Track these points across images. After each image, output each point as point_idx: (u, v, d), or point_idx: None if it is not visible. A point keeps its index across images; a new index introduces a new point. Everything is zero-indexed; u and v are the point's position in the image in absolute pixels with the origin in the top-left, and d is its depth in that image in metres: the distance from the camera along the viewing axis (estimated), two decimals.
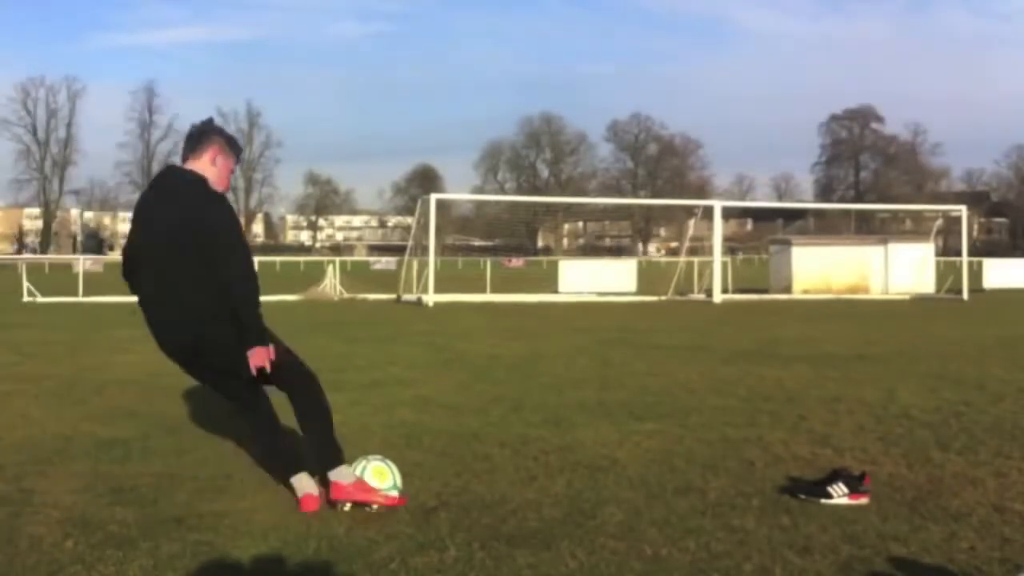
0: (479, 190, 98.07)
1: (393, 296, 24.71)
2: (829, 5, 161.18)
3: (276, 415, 4.70)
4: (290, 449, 4.71)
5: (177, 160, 4.63)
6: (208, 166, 4.45)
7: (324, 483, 4.50)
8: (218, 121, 4.62)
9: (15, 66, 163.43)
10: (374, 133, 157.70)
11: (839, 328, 15.39)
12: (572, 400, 7.69)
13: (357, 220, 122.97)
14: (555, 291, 25.76)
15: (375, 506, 4.39)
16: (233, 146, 4.58)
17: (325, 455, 4.47)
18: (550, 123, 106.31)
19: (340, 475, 4.41)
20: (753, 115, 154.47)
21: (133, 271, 4.55)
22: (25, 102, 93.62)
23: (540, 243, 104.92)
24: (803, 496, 4.63)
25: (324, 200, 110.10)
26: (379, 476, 4.44)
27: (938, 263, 30.92)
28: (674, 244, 77.72)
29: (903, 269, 27.99)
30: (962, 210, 29.65)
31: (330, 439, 4.51)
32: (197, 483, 4.93)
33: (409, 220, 44.00)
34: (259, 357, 4.26)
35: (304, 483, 4.49)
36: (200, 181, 4.38)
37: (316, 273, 32.55)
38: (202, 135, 4.49)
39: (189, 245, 4.23)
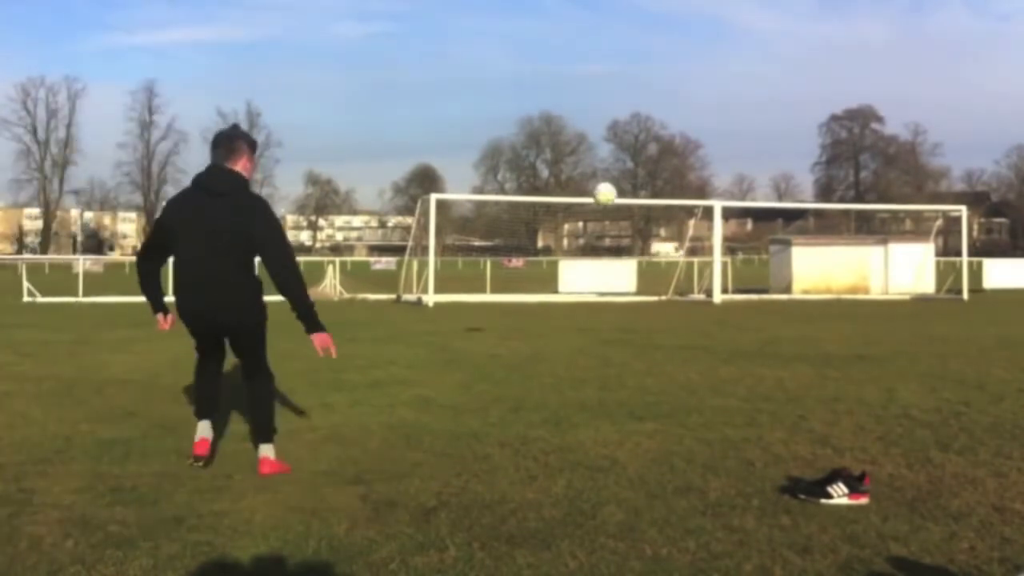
0: (479, 190, 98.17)
1: (393, 296, 24.71)
2: (829, 5, 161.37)
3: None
4: (211, 398, 5.53)
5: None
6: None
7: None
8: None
9: (15, 66, 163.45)
10: (374, 133, 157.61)
11: (839, 328, 15.39)
12: (572, 400, 7.69)
13: (357, 220, 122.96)
14: (555, 291, 25.76)
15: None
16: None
17: (257, 433, 5.37)
18: (550, 123, 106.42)
19: (266, 451, 5.25)
20: (753, 115, 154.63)
21: (158, 256, 5.29)
22: (25, 102, 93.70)
23: (540, 243, 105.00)
24: (803, 496, 4.63)
25: (324, 200, 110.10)
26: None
27: (938, 263, 30.91)
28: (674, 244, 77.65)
29: (903, 269, 27.98)
30: (962, 210, 29.64)
31: (262, 422, 5.32)
32: (197, 483, 4.93)
33: (409, 220, 43.99)
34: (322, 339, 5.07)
35: (202, 428, 5.37)
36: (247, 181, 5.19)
37: (316, 273, 32.49)
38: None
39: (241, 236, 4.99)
